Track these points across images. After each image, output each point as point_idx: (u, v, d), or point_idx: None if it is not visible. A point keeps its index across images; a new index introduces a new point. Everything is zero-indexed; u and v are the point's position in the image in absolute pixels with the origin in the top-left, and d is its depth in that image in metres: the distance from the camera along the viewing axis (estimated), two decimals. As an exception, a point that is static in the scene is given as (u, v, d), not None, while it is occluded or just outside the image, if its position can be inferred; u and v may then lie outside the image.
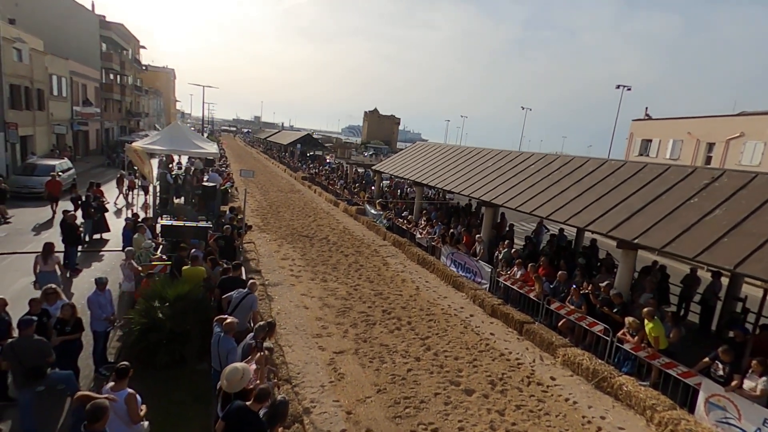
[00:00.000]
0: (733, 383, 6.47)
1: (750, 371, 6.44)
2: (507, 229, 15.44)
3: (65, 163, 20.99)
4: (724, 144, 28.06)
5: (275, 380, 6.02)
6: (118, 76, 46.72)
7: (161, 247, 10.20)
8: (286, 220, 19.45)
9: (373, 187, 25.88)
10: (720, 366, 6.87)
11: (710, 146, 29.45)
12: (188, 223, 9.97)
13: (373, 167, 25.84)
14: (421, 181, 17.71)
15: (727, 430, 6.43)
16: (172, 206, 13.68)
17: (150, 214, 14.06)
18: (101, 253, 12.70)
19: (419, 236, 16.34)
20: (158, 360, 6.76)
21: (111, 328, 7.14)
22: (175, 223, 10.41)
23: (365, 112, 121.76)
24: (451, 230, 15.00)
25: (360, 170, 36.67)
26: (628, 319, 8.18)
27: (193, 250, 9.25)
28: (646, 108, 36.02)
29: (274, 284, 11.42)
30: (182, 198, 14.41)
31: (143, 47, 61.77)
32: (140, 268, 8.49)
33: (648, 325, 7.80)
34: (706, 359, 7.04)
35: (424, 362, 8.17)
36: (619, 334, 8.27)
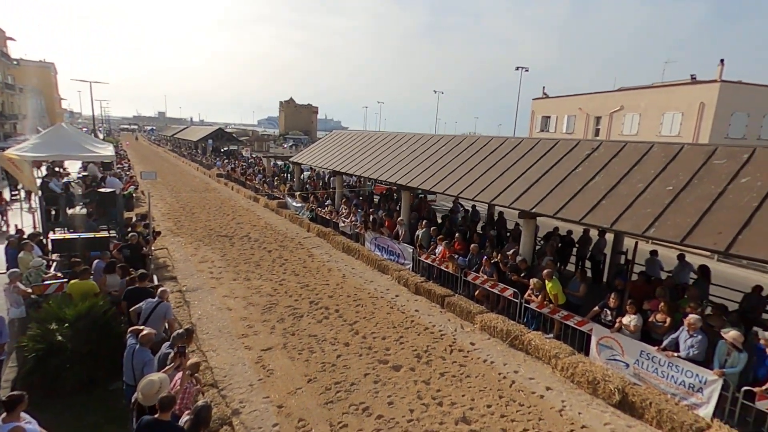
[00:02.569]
0: (616, 325, 7.52)
1: (626, 313, 7.52)
2: (426, 210, 16.13)
3: None
4: (609, 117, 31.57)
5: (198, 386, 5.84)
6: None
7: (55, 264, 9.21)
8: (202, 221, 18.46)
9: (294, 180, 25.38)
10: (608, 312, 7.94)
11: (597, 120, 32.97)
12: (84, 235, 9.08)
13: (290, 159, 25.27)
14: (340, 170, 17.76)
15: (614, 365, 7.48)
16: (65, 218, 12.30)
17: (39, 228, 12.54)
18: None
19: (342, 225, 16.45)
20: (63, 385, 6.21)
21: (4, 357, 6.40)
22: (68, 236, 9.42)
23: (281, 103, 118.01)
24: (372, 216, 15.30)
25: (279, 163, 35.65)
26: (533, 281, 9.07)
27: (96, 262, 8.53)
28: (543, 87, 39.20)
29: (193, 289, 10.89)
30: (76, 208, 13.01)
31: (11, 38, 53.77)
32: (30, 290, 7.62)
33: (548, 285, 8.73)
34: (596, 308, 8.09)
35: (353, 346, 8.39)
36: (525, 296, 9.15)
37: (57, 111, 75.51)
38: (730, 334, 6.16)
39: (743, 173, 7.34)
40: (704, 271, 9.21)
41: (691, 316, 6.66)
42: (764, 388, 5.84)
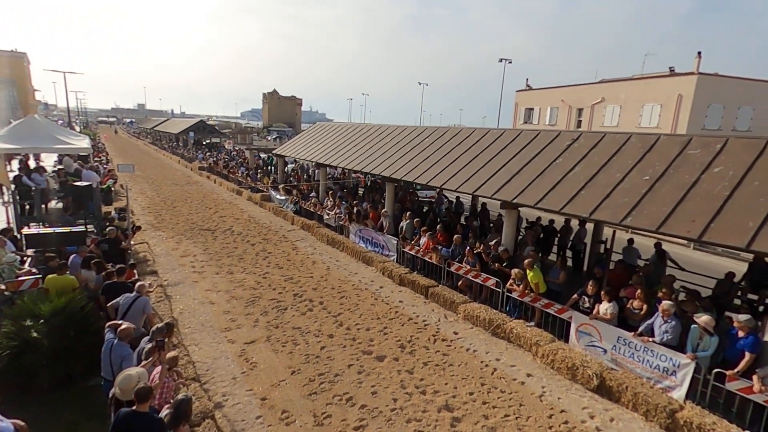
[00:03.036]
0: (594, 312, 7.69)
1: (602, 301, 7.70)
2: (409, 202, 16.16)
3: None
4: (590, 109, 32.01)
5: (179, 380, 5.78)
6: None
7: (29, 259, 8.97)
8: (184, 215, 18.16)
9: (277, 173, 25.14)
10: (586, 299, 8.12)
11: (580, 111, 33.40)
12: (59, 230, 8.85)
13: (274, 151, 25.00)
14: (324, 162, 17.64)
15: (593, 351, 7.66)
16: (39, 213, 11.96)
17: (12, 224, 12.17)
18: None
19: (327, 217, 16.39)
20: (39, 382, 6.09)
21: None
22: (41, 231, 9.17)
23: (264, 94, 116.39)
24: (356, 208, 15.28)
25: (263, 155, 35.24)
26: (514, 271, 9.20)
27: (72, 257, 8.35)
28: (527, 79, 39.49)
29: (175, 284, 10.74)
30: (52, 202, 12.67)
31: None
32: (2, 287, 7.41)
33: (529, 274, 8.87)
34: (575, 296, 8.26)
35: (337, 338, 8.40)
36: (507, 285, 9.28)
37: (31, 103, 72.86)
38: (702, 318, 6.36)
39: (716, 163, 7.54)
40: (660, 252, 9.54)
41: (664, 302, 6.84)
42: (735, 371, 6.06)
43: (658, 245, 10.46)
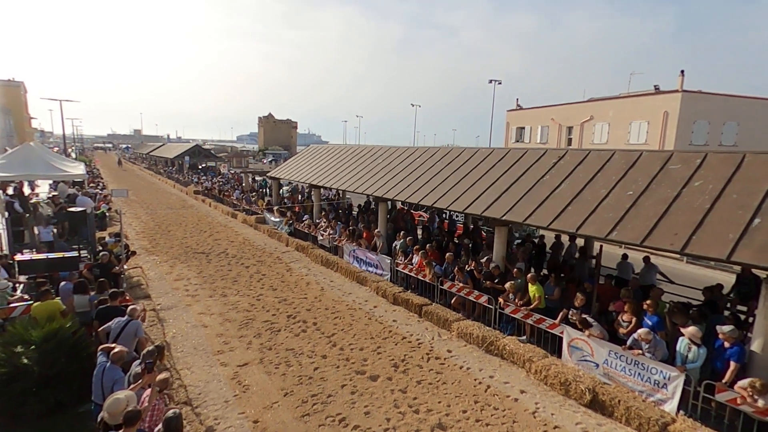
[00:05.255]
0: (586, 332, 7.68)
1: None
2: (403, 221, 16.30)
3: None
4: (580, 127, 32.63)
5: (171, 404, 5.76)
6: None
7: (21, 286, 8.96)
8: (179, 239, 18.19)
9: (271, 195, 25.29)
10: (574, 312, 8.17)
11: (569, 129, 34.03)
12: (51, 255, 8.89)
13: (268, 174, 25.23)
14: (318, 183, 17.83)
15: (585, 366, 7.68)
16: (33, 239, 11.98)
17: (6, 250, 12.17)
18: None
19: (321, 238, 16.47)
20: (29, 410, 6.04)
21: None
22: (34, 256, 9.20)
23: (259, 118, 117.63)
24: (351, 227, 15.39)
25: (258, 178, 35.47)
26: (509, 284, 9.28)
27: (62, 284, 8.36)
28: (517, 99, 40.29)
29: (168, 307, 10.72)
30: (44, 228, 12.71)
31: (-22, 58, 52.40)
32: (-6, 314, 7.40)
33: (531, 288, 8.93)
34: (564, 310, 8.32)
35: (331, 358, 8.39)
36: (500, 299, 9.33)
37: (27, 130, 73.30)
38: (688, 330, 6.44)
39: (696, 177, 7.75)
40: (648, 265, 9.71)
41: (640, 330, 6.93)
42: (723, 381, 6.11)
43: (646, 259, 10.60)
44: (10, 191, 18.70)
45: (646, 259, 10.56)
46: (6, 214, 11.88)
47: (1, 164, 12.20)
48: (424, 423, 6.47)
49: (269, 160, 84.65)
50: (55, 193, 17.79)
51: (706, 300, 8.71)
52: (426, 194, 12.08)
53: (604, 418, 6.73)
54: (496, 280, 9.83)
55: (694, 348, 6.43)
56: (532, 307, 8.76)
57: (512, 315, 9.08)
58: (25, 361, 6.21)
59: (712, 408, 6.32)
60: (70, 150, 57.02)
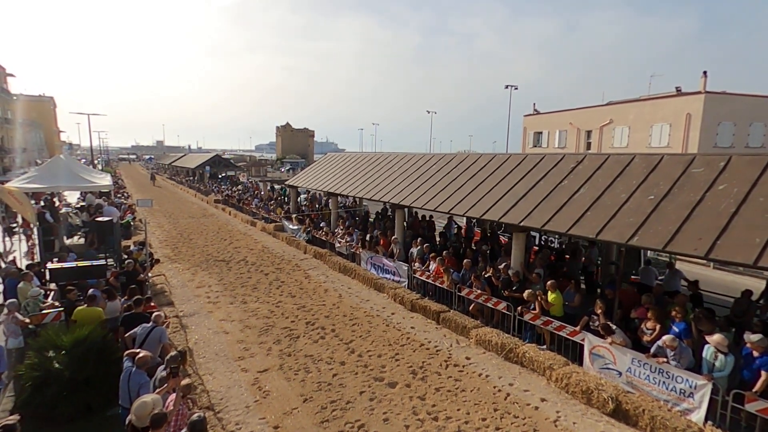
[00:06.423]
0: (608, 340, 7.54)
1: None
2: (421, 228, 16.31)
3: None
4: (599, 131, 32.14)
5: (194, 408, 5.90)
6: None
7: (52, 293, 9.33)
8: (200, 247, 18.60)
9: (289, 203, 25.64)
10: (595, 318, 8.04)
11: (588, 133, 33.54)
12: (80, 263, 9.24)
13: (286, 182, 25.62)
14: (335, 191, 18.02)
15: (607, 374, 7.54)
16: (63, 248, 12.46)
17: (37, 258, 12.69)
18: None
19: (338, 245, 16.61)
20: (60, 413, 6.26)
21: (1, 387, 6.47)
22: (65, 265, 9.57)
23: (277, 127, 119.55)
24: (368, 235, 15.48)
25: (276, 187, 36.03)
26: (527, 292, 9.18)
27: (90, 291, 8.65)
28: (534, 104, 39.97)
29: (190, 314, 10.96)
30: (74, 237, 13.20)
31: (11, 75, 54.92)
32: (28, 320, 7.72)
33: (551, 296, 8.84)
34: (585, 317, 8.19)
35: (349, 365, 8.44)
36: (519, 308, 9.24)
37: (56, 143, 76.36)
38: (714, 338, 6.27)
39: (720, 180, 7.58)
40: (673, 271, 9.59)
41: (665, 337, 6.77)
42: (753, 391, 5.92)
43: (670, 265, 10.36)
44: (41, 202, 19.48)
45: (670, 265, 10.32)
46: (38, 224, 12.40)
47: (34, 177, 12.79)
48: (443, 430, 6.44)
49: (287, 168, 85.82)
50: (83, 204, 18.43)
51: (735, 307, 8.46)
52: (443, 201, 12.09)
53: (629, 428, 6.57)
54: (514, 288, 9.74)
55: (720, 356, 6.25)
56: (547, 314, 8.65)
57: (531, 322, 8.97)
58: (57, 365, 6.47)
59: (741, 418, 6.12)
60: (96, 161, 58.95)
